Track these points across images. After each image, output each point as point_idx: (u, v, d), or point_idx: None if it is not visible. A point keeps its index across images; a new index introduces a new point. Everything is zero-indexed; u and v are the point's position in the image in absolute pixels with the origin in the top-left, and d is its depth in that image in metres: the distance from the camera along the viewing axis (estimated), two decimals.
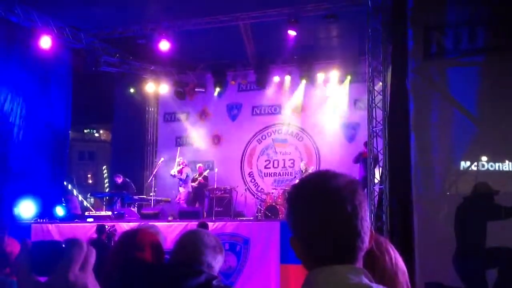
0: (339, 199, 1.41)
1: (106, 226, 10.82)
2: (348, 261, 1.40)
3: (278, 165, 16.75)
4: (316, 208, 1.41)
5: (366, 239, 1.43)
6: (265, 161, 16.89)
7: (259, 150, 16.97)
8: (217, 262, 2.54)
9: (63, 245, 1.09)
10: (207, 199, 15.20)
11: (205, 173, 15.28)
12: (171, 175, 15.32)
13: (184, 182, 15.17)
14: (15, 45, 13.38)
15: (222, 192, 15.02)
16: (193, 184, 15.19)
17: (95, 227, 10.75)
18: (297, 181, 1.60)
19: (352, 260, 1.40)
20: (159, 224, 10.20)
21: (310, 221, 1.42)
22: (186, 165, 15.39)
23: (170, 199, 15.52)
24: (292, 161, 16.48)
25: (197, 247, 2.51)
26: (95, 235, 10.47)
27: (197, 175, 15.29)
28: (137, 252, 2.52)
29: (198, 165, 15.87)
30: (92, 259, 1.11)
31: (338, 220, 1.40)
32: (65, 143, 15.36)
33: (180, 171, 15.14)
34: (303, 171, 14.39)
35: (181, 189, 15.20)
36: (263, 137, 17.00)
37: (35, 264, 1.09)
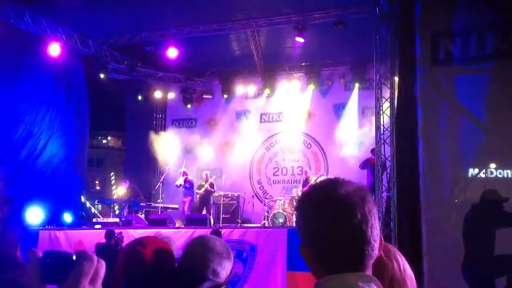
0: (349, 206, 1.40)
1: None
2: (358, 269, 1.39)
3: (286, 172, 16.73)
4: (325, 215, 1.41)
5: (376, 246, 1.42)
6: (274, 168, 16.88)
7: (267, 158, 16.97)
8: (224, 269, 2.52)
9: (74, 257, 1.10)
10: (214, 206, 15.19)
11: (211, 180, 15.25)
12: (176, 185, 15.35)
13: (188, 190, 15.24)
14: (26, 52, 13.48)
15: (230, 199, 15.02)
16: (199, 191, 15.16)
17: (104, 232, 10.76)
18: (305, 188, 1.60)
19: (362, 268, 1.39)
20: (166, 231, 10.22)
21: (320, 228, 1.41)
22: (187, 176, 15.37)
23: (178, 206, 15.53)
24: (300, 168, 16.45)
25: (203, 253, 2.50)
26: (103, 240, 10.49)
27: (204, 182, 15.27)
28: (138, 246, 2.51)
29: (204, 172, 15.85)
30: (102, 272, 1.12)
31: (347, 227, 1.39)
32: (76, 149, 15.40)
33: (184, 181, 15.18)
34: (310, 179, 14.33)
35: (185, 198, 15.25)
36: (272, 145, 16.99)
37: (45, 274, 1.09)
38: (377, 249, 1.43)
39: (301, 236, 1.47)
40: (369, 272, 1.41)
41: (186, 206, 15.05)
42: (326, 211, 1.41)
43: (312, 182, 13.94)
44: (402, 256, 1.82)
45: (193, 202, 15.18)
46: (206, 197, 15.03)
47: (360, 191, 1.44)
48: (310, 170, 15.42)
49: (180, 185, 15.29)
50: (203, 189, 15.07)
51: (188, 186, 15.23)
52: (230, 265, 2.57)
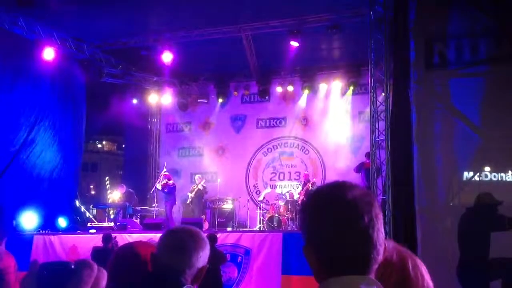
0: (357, 210, 1.40)
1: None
2: (362, 272, 1.39)
3: (284, 177, 16.72)
4: (333, 219, 1.41)
5: (381, 250, 1.42)
6: (271, 173, 16.87)
7: (265, 163, 16.96)
8: (191, 266, 2.41)
9: (72, 266, 1.07)
10: (209, 210, 15.15)
11: (202, 183, 15.11)
12: (157, 189, 15.11)
13: (167, 195, 14.83)
14: (23, 57, 13.44)
15: (225, 202, 15.00)
16: (191, 194, 15.05)
17: (102, 236, 10.67)
18: (311, 191, 1.57)
19: (366, 271, 1.40)
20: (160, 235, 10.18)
21: (327, 231, 1.41)
22: (168, 180, 14.98)
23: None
24: (297, 173, 16.45)
25: (171, 257, 2.44)
26: (100, 244, 10.43)
27: (195, 185, 15.18)
28: (124, 251, 2.50)
29: (197, 176, 15.79)
30: (104, 282, 1.10)
31: (355, 231, 1.39)
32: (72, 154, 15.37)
33: (164, 185, 14.77)
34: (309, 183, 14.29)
35: (166, 203, 14.85)
36: (269, 150, 16.98)
37: (43, 286, 1.07)
38: (382, 253, 1.43)
39: (305, 239, 1.46)
40: (373, 276, 1.41)
41: (167, 212, 14.66)
42: (333, 214, 1.41)
43: (309, 185, 13.92)
44: (427, 271, 1.82)
45: (173, 207, 14.89)
46: (197, 199, 14.91)
47: (367, 195, 1.44)
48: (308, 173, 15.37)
49: (158, 189, 14.92)
50: (194, 192, 14.95)
51: (167, 191, 14.73)
52: (201, 257, 2.44)
